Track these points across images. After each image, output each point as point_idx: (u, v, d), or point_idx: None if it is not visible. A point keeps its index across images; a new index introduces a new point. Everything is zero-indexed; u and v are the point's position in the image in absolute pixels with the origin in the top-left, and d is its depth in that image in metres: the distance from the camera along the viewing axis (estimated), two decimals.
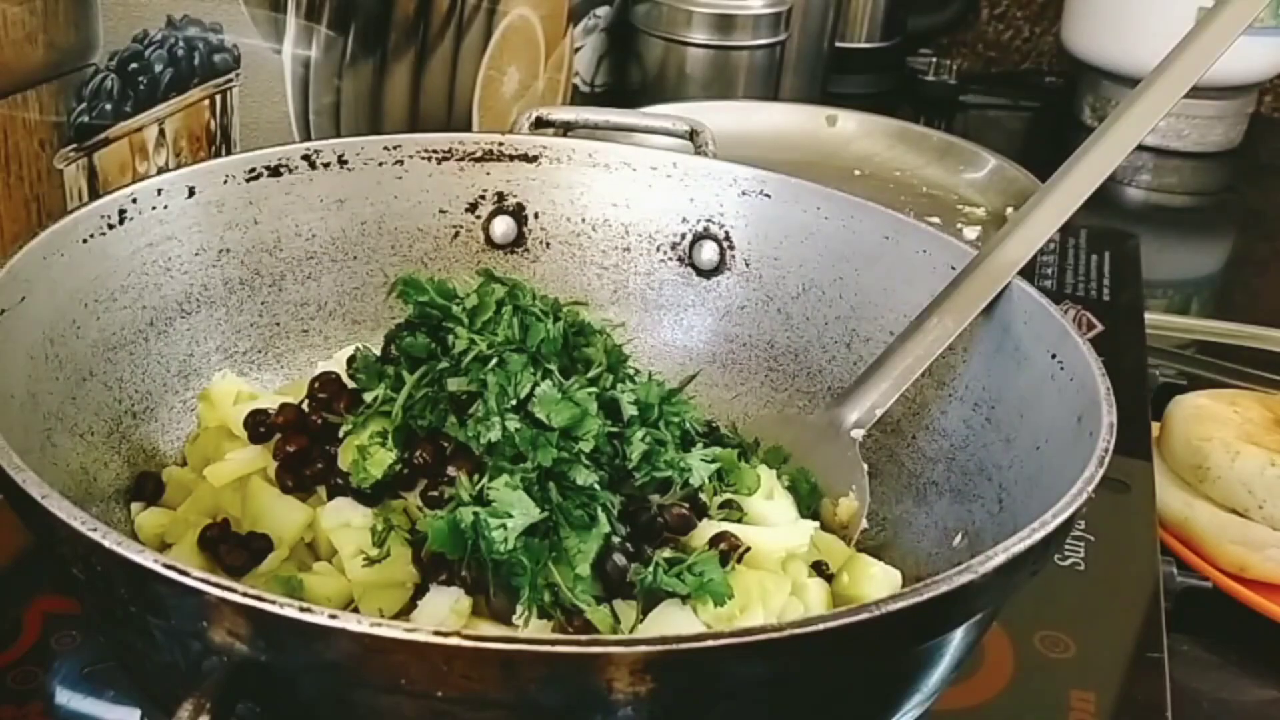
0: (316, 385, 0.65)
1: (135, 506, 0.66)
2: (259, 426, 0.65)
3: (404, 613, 0.58)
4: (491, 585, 0.57)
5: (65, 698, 0.64)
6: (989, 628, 0.57)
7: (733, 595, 0.57)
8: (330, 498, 0.62)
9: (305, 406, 0.66)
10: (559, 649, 0.40)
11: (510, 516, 0.55)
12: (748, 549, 0.61)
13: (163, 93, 0.90)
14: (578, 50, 1.49)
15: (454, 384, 0.61)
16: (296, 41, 1.02)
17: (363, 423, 0.62)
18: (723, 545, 0.60)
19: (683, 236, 0.82)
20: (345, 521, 0.60)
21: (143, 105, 0.88)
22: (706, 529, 0.62)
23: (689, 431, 0.65)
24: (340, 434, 0.63)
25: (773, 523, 0.66)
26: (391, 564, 0.58)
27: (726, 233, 0.81)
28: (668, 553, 0.58)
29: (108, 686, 0.65)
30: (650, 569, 0.57)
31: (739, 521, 0.64)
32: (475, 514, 0.55)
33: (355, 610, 0.57)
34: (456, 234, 0.82)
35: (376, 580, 0.58)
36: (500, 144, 0.81)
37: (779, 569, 0.62)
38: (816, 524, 0.67)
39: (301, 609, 0.39)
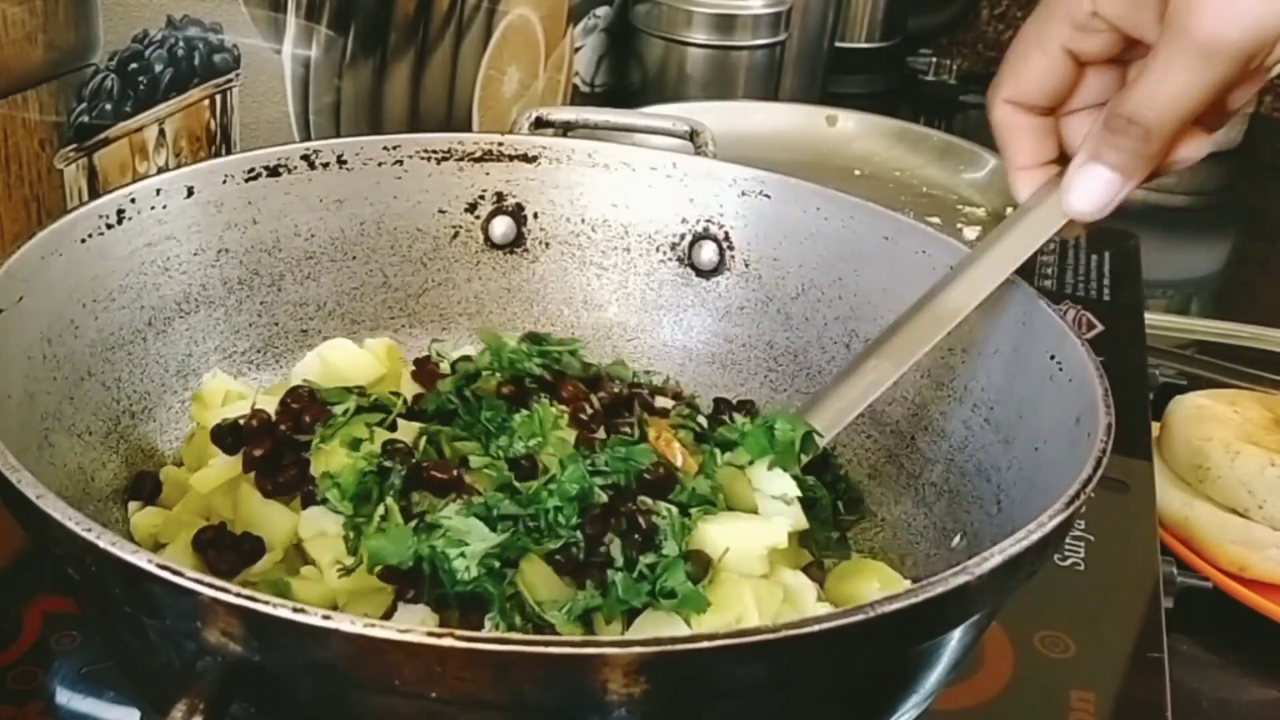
0: (288, 398, 0.65)
1: (132, 506, 0.66)
2: (226, 438, 0.65)
3: (386, 618, 0.58)
4: (456, 609, 0.56)
5: (65, 698, 0.65)
6: (987, 629, 0.57)
7: (709, 604, 0.55)
8: (305, 505, 0.61)
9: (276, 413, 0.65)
10: (553, 650, 0.40)
11: (466, 544, 0.54)
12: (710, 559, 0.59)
13: (163, 93, 0.90)
14: (578, 50, 1.49)
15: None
16: (296, 41, 1.02)
17: (331, 435, 0.62)
18: (690, 567, 0.57)
19: (682, 237, 0.82)
20: (321, 530, 0.59)
21: (143, 105, 0.88)
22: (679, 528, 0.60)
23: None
24: (312, 446, 0.62)
25: (762, 490, 0.65)
26: (366, 572, 0.57)
27: (726, 233, 0.81)
28: (651, 557, 0.57)
29: (107, 686, 0.65)
30: (616, 578, 0.56)
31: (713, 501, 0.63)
32: (431, 547, 0.54)
33: None
34: (456, 234, 0.82)
35: (355, 588, 0.57)
36: (500, 144, 0.81)
37: (764, 566, 0.60)
38: (792, 521, 0.63)
39: (295, 609, 0.39)
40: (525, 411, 0.64)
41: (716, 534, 0.60)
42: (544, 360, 0.70)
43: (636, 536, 0.58)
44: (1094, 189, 0.60)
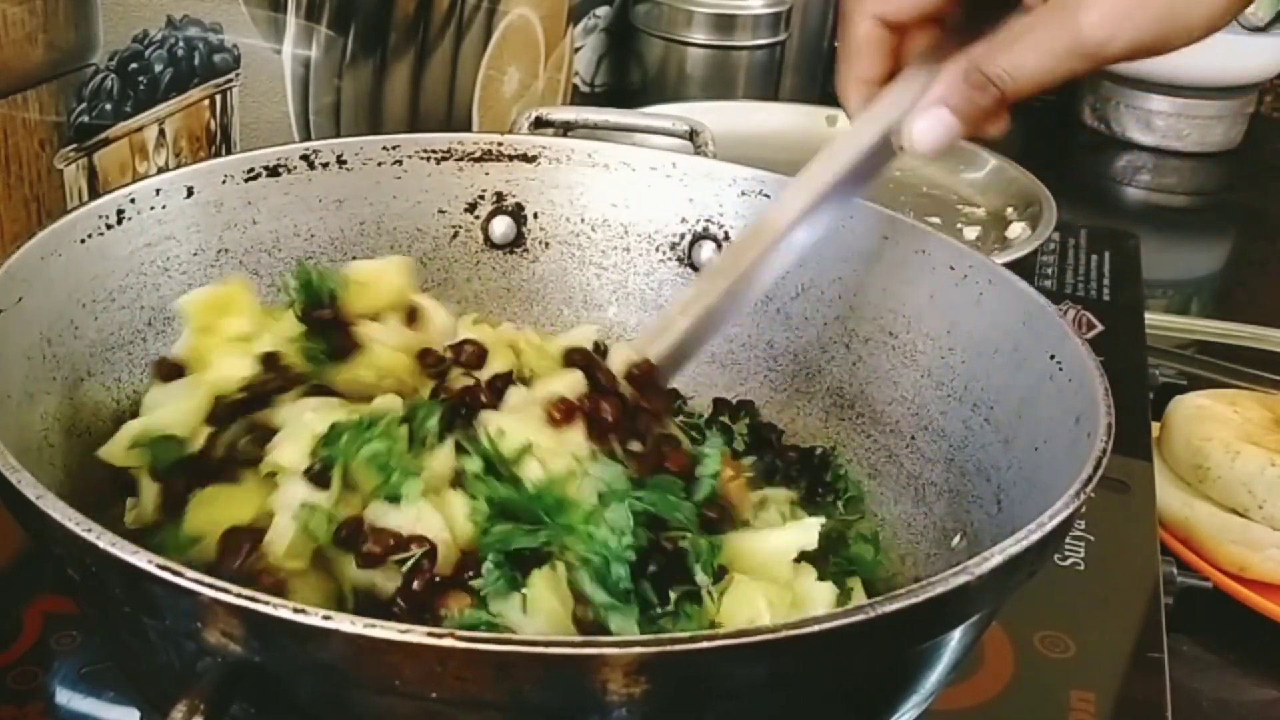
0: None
1: (130, 501, 0.66)
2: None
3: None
4: None
5: (65, 698, 0.65)
6: (987, 629, 0.57)
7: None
8: None
9: None
10: (553, 650, 0.40)
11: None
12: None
13: (163, 93, 0.90)
14: (578, 50, 1.49)
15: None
16: (296, 41, 1.02)
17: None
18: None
19: (682, 236, 0.82)
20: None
21: (143, 105, 0.88)
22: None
23: None
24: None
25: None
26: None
27: (726, 233, 0.81)
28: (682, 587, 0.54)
29: (107, 686, 0.65)
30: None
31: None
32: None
33: None
34: (455, 234, 0.82)
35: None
36: (499, 144, 0.81)
37: (790, 572, 0.58)
38: (823, 519, 0.61)
39: (295, 610, 0.39)
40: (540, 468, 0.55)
41: (749, 546, 0.58)
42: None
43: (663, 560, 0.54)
44: (935, 131, 0.62)
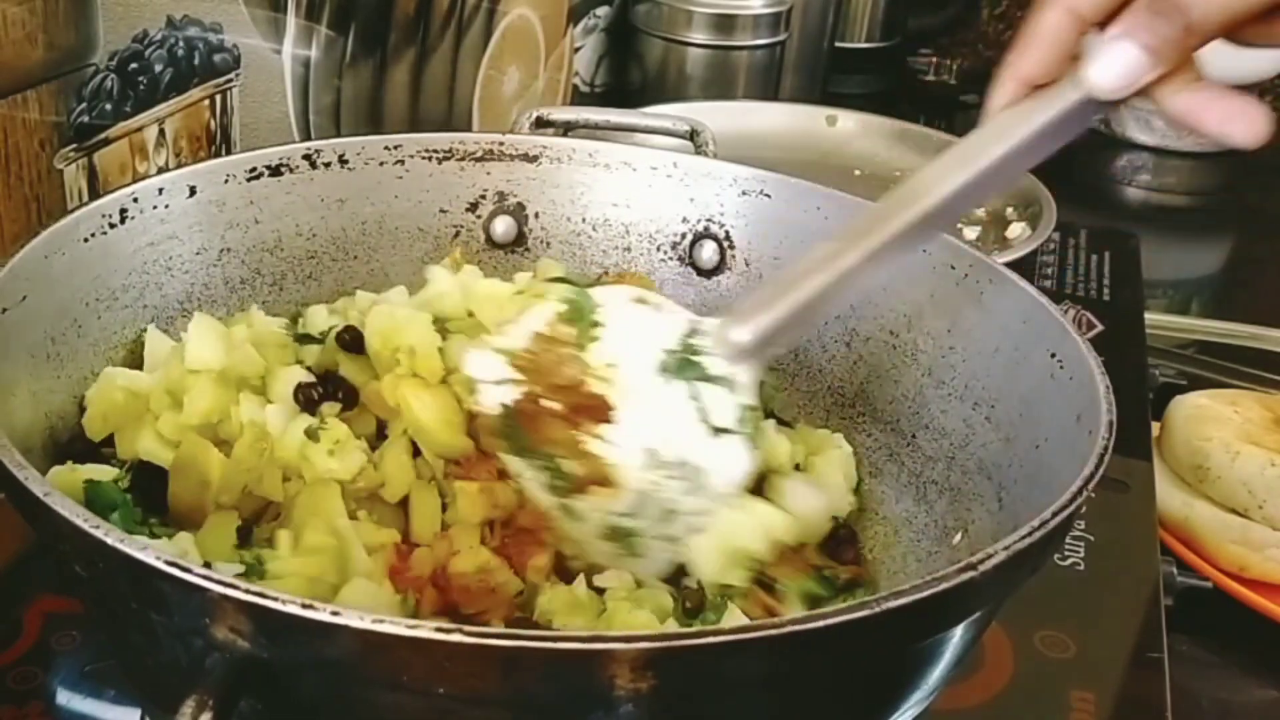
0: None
1: None
2: None
3: None
4: None
5: (65, 698, 0.65)
6: (988, 626, 0.57)
7: None
8: None
9: None
10: (560, 645, 0.40)
11: None
12: None
13: (163, 93, 0.90)
14: (578, 50, 1.49)
15: None
16: (296, 41, 1.02)
17: None
18: None
19: (683, 236, 0.82)
20: None
21: (143, 105, 0.88)
22: None
23: None
24: None
25: None
26: None
27: (726, 232, 0.81)
28: None
29: (108, 686, 0.65)
30: None
31: None
32: None
33: None
34: (457, 233, 0.82)
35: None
36: (501, 144, 0.81)
37: None
38: None
39: (303, 605, 0.39)
40: None
41: None
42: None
43: None
44: (1117, 64, 0.57)
